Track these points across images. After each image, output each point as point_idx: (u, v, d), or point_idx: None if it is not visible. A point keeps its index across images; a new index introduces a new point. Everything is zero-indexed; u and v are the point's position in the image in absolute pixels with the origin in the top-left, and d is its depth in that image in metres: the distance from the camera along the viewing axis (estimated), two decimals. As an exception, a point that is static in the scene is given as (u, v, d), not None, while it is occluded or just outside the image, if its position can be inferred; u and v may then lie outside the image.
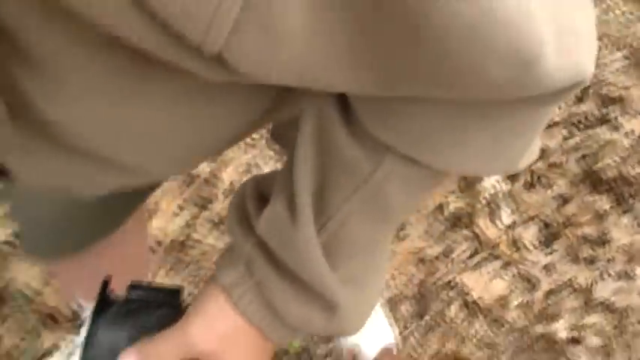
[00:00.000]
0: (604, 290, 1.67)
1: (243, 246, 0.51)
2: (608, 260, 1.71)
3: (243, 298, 0.51)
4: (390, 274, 1.63)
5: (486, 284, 1.64)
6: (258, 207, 0.51)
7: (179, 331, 0.52)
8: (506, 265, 1.68)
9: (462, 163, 0.45)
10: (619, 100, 1.97)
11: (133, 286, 0.60)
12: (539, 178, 1.82)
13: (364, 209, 0.48)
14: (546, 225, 1.77)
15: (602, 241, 1.74)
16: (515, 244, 1.72)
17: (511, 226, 1.75)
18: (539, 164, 1.84)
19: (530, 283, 1.66)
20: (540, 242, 1.74)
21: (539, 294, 1.64)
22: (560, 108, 1.95)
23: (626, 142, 1.88)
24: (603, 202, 1.80)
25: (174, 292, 0.60)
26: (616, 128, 1.92)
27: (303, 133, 0.47)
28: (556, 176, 1.83)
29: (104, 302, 0.59)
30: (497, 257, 1.69)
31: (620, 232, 1.75)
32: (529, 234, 1.74)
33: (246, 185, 0.54)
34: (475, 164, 0.45)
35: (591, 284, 1.67)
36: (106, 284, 0.60)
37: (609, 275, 1.69)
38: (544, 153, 1.86)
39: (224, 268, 0.52)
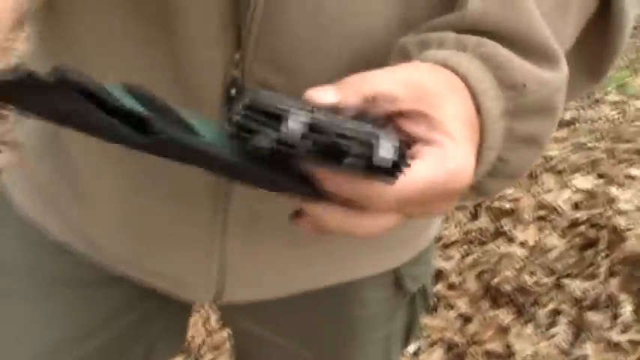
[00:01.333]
0: (513, 406, 1.66)
1: (442, 35, 0.47)
2: (515, 374, 1.72)
3: (462, 62, 0.44)
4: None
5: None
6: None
7: (408, 67, 0.44)
8: (415, 393, 1.69)
9: None
10: (511, 212, 2.04)
11: None
12: (439, 300, 1.86)
13: None
14: (451, 347, 1.78)
15: (507, 354, 1.75)
16: (422, 370, 1.73)
17: (417, 353, 1.76)
18: (439, 287, 1.88)
19: (440, 409, 1.66)
20: (447, 365, 1.75)
21: (449, 419, 1.64)
22: (455, 227, 2.02)
23: (520, 253, 1.94)
24: (505, 316, 1.82)
25: None
26: (511, 240, 1.98)
27: None
28: (456, 296, 1.86)
29: None
30: (404, 387, 1.70)
31: (524, 342, 1.77)
32: (434, 358, 1.75)
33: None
34: None
35: (500, 401, 1.67)
36: None
37: (517, 389, 1.69)
38: (442, 275, 1.90)
39: (427, 52, 0.46)
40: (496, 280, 1.88)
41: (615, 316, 1.86)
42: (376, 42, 0.52)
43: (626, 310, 1.87)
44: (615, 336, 1.81)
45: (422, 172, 0.39)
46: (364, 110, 0.40)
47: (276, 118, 0.36)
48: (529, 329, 1.79)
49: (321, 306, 0.74)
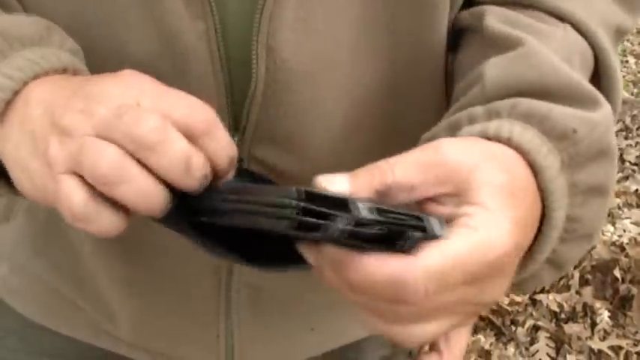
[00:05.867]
0: None
1: (469, 110, 0.45)
2: (503, 396, 1.71)
3: (503, 127, 0.41)
4: None
5: None
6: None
7: (427, 148, 0.40)
8: None
9: None
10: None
11: None
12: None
13: None
14: (436, 378, 1.77)
15: (493, 378, 1.75)
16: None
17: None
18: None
19: None
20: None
21: None
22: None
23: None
24: (485, 340, 1.82)
25: None
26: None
27: None
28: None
29: None
30: None
31: (508, 363, 1.77)
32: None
33: None
34: None
35: None
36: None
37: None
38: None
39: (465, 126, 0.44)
40: (472, 305, 1.88)
41: (593, 325, 1.87)
42: (365, 105, 0.53)
43: (603, 317, 1.88)
44: (596, 344, 1.82)
45: (446, 245, 0.36)
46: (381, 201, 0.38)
47: (340, 204, 0.35)
48: (511, 349, 1.80)
49: None
